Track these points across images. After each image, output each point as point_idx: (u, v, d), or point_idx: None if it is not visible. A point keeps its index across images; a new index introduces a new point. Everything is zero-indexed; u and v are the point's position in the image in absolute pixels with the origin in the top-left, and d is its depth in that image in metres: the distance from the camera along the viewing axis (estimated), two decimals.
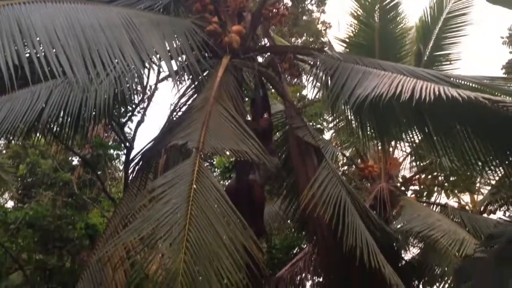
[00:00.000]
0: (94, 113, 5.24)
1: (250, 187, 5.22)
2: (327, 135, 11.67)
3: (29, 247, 7.88)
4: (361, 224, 5.20)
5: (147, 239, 3.35)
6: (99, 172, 9.95)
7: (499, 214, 10.30)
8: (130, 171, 5.56)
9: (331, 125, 10.59)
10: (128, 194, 5.01)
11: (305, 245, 10.02)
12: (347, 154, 10.52)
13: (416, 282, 9.27)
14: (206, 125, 4.35)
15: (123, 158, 10.80)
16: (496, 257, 4.01)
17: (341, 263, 5.74)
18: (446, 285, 8.03)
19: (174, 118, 5.70)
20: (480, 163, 6.30)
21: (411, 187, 9.83)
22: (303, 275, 12.02)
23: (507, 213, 9.14)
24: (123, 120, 9.71)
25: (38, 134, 6.02)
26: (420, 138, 6.06)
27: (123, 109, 8.14)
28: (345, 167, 10.88)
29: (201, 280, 3.25)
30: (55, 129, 5.67)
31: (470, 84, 5.24)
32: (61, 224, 8.41)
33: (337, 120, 8.05)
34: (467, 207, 10.96)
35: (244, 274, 3.36)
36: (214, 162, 11.32)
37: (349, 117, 6.41)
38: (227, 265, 3.33)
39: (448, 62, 9.48)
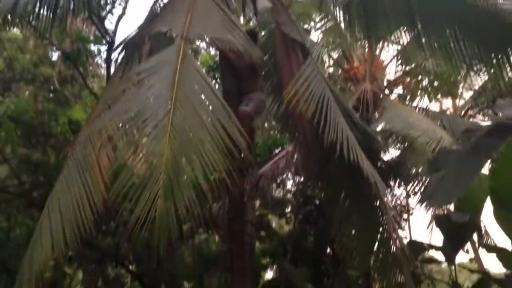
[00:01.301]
0: (72, 4, 5.06)
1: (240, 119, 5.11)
2: (314, 36, 11.49)
3: (12, 140, 7.88)
4: (343, 122, 5.28)
5: (131, 121, 3.35)
6: (80, 69, 9.74)
7: (478, 118, 10.55)
8: (113, 59, 5.44)
9: (318, 25, 10.37)
10: (111, 83, 4.95)
11: (288, 145, 10.23)
12: (334, 57, 10.44)
13: (392, 182, 9.63)
14: (191, 13, 4.22)
15: (104, 55, 10.58)
16: (470, 149, 4.10)
17: (322, 159, 5.93)
18: (421, 184, 8.35)
19: (158, 7, 5.51)
20: (465, 66, 6.34)
21: (395, 91, 9.91)
22: (285, 175, 12.42)
23: (487, 117, 9.31)
24: (104, 13, 9.35)
25: (14, 27, 5.80)
26: (408, 38, 6.02)
27: (103, 1, 7.82)
28: (331, 70, 10.85)
29: (185, 164, 3.31)
30: (32, 22, 5.46)
31: None
32: (43, 119, 8.35)
33: (325, 20, 7.90)
34: (448, 112, 11.17)
35: (228, 160, 3.42)
36: (198, 62, 11.17)
37: (337, 16, 6.28)
38: (211, 151, 3.39)
39: None
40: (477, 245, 10.03)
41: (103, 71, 11.64)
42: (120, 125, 3.74)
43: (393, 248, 5.30)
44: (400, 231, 9.61)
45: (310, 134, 5.26)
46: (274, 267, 18.21)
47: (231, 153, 3.63)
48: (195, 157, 3.34)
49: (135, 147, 3.57)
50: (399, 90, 9.96)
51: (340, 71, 10.24)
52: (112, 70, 5.58)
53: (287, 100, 4.94)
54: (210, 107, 3.66)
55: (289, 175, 13.43)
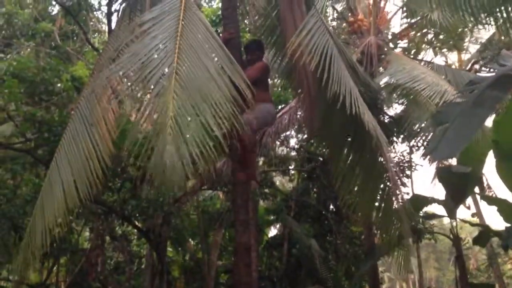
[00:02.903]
0: None
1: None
2: None
3: (16, 97, 7.86)
4: (347, 75, 5.25)
5: (136, 74, 3.34)
6: (81, 24, 9.60)
7: (484, 73, 10.44)
8: (114, 11, 5.36)
9: None
10: (114, 36, 4.90)
11: (291, 101, 10.20)
12: (338, 9, 10.24)
13: (396, 138, 9.65)
14: None
15: (105, 9, 10.39)
16: (474, 101, 4.06)
17: (325, 113, 5.93)
18: (424, 139, 8.35)
19: None
20: (472, 19, 6.24)
21: (400, 44, 9.77)
22: (288, 132, 12.45)
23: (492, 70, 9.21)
24: None
25: None
26: None
27: None
28: (335, 23, 10.66)
29: (192, 116, 3.31)
30: None
31: None
32: (46, 76, 8.31)
33: None
34: (453, 66, 11.05)
35: (233, 106, 3.43)
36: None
37: None
38: (219, 101, 3.39)
39: None
40: (478, 199, 10.13)
41: (104, 27, 11.48)
42: (125, 79, 3.74)
43: (395, 203, 5.36)
44: (402, 188, 9.70)
45: (313, 87, 5.22)
46: (278, 224, 18.56)
47: (237, 102, 3.62)
48: (203, 107, 3.34)
49: (141, 101, 3.57)
50: (404, 43, 9.84)
51: (344, 24, 10.06)
52: (114, 23, 5.50)
53: (290, 52, 4.90)
54: (215, 58, 3.63)
55: (293, 132, 13.49)
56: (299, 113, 9.30)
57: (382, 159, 5.43)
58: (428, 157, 7.30)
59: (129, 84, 3.61)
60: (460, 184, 7.06)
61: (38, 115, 8.21)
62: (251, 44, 5.33)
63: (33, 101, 8.58)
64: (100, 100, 4.04)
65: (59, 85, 8.31)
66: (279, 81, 11.10)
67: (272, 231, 20.33)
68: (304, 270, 14.34)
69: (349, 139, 5.88)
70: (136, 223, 10.18)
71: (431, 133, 7.60)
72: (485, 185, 8.34)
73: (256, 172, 5.12)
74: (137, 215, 9.59)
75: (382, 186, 5.64)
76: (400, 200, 5.17)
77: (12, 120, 8.07)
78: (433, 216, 8.12)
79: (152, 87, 3.35)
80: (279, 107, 10.65)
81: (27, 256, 4.31)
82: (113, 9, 5.39)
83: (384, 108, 8.82)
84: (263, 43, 5.69)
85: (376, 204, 5.80)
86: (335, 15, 10.33)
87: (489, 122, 6.42)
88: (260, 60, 5.15)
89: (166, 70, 3.26)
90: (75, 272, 12.60)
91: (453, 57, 11.41)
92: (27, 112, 8.34)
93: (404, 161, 12.51)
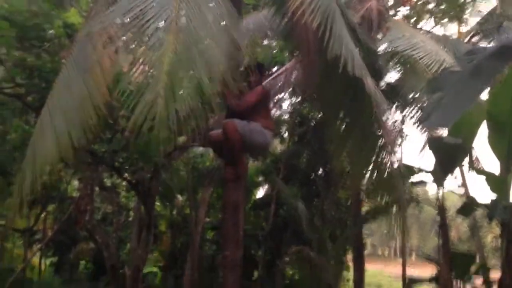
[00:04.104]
0: None
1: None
2: None
3: (7, 40, 7.69)
4: (348, 36, 5.16)
5: (133, 21, 3.26)
6: None
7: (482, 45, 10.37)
8: None
9: None
10: None
11: (287, 63, 10.10)
12: None
13: (390, 106, 9.63)
14: None
15: None
16: (472, 70, 4.03)
17: (324, 75, 5.87)
18: (417, 108, 8.34)
19: None
20: None
21: (400, 12, 9.63)
22: (282, 94, 12.37)
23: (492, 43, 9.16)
24: None
25: None
26: None
27: None
28: None
29: (187, 66, 3.26)
30: None
31: None
32: (38, 21, 8.12)
33: None
34: (452, 38, 10.95)
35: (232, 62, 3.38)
36: None
37: None
38: (214, 54, 3.34)
39: None
40: (467, 170, 10.26)
41: None
42: (121, 26, 3.64)
43: (387, 170, 5.37)
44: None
45: (313, 47, 5.14)
46: (266, 185, 18.72)
47: (234, 59, 3.59)
48: (199, 62, 3.29)
49: (135, 52, 3.50)
50: (405, 10, 9.69)
51: None
52: None
53: (292, 10, 4.79)
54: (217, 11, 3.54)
55: (286, 95, 13.41)
56: (294, 75, 9.22)
57: (377, 126, 5.42)
58: (421, 126, 7.33)
59: (124, 32, 3.52)
60: (449, 155, 7.13)
61: (29, 60, 8.06)
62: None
63: (23, 47, 8.40)
64: (95, 46, 3.95)
65: (51, 31, 8.13)
66: (275, 42, 10.96)
67: (260, 193, 20.57)
68: (290, 231, 14.58)
69: (346, 102, 5.84)
70: (126, 175, 10.20)
71: (425, 103, 7.59)
72: (474, 157, 8.41)
73: (245, 171, 4.97)
74: (127, 167, 9.60)
75: (374, 153, 5.65)
76: (394, 166, 5.19)
77: (2, 64, 7.92)
78: (421, 183, 8.23)
79: (147, 38, 3.28)
80: (275, 68, 10.55)
81: (15, 202, 4.30)
82: None
83: (383, 73, 8.75)
84: (262, 66, 5.50)
85: (365, 172, 5.82)
86: None
87: (483, 93, 6.44)
88: (260, 84, 4.98)
89: (163, 23, 3.17)
90: (63, 219, 12.71)
91: (452, 29, 11.31)
92: (18, 56, 8.19)
93: (396, 130, 12.55)
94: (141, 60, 3.34)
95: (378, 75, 7.77)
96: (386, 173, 5.44)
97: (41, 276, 17.61)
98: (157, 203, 16.60)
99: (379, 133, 5.34)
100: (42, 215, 16.71)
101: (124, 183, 12.34)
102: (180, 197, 19.09)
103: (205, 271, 16.76)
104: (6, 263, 18.12)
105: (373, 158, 5.63)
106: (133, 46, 3.52)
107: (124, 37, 3.62)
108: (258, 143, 4.71)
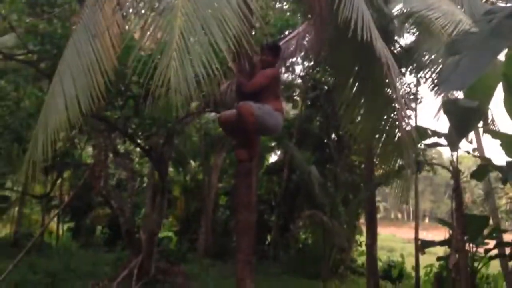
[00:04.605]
0: None
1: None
2: None
3: (17, 7, 7.67)
4: None
5: None
6: None
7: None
8: None
9: None
10: None
11: (299, 26, 9.93)
12: None
13: (404, 69, 9.46)
14: None
15: None
16: (491, 31, 3.90)
17: (335, 37, 5.78)
18: (433, 71, 8.18)
19: None
20: None
21: None
22: (294, 58, 12.23)
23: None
24: None
25: None
26: None
27: None
28: None
29: (199, 28, 3.22)
30: None
31: None
32: None
33: None
34: None
35: (243, 24, 3.32)
36: None
37: None
38: (226, 14, 3.29)
39: None
40: (481, 133, 10.13)
41: None
42: None
43: (399, 133, 5.32)
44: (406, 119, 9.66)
45: (325, 10, 5.04)
46: (279, 150, 18.76)
47: (248, 20, 3.52)
48: (211, 24, 3.24)
49: (146, 17, 3.46)
50: None
51: None
52: None
53: None
54: None
55: (299, 59, 13.25)
56: (307, 39, 9.07)
57: (388, 89, 5.34)
58: (436, 88, 7.20)
59: None
60: (465, 117, 7.02)
61: (41, 27, 8.03)
62: (268, 45, 4.97)
63: (34, 13, 8.36)
64: (104, 11, 3.90)
65: None
66: (288, 5, 10.79)
67: (273, 158, 20.67)
68: (302, 195, 14.68)
69: (357, 66, 5.76)
70: (139, 142, 10.28)
71: (441, 65, 7.43)
72: (489, 120, 8.29)
73: (257, 152, 4.92)
74: (140, 133, 9.66)
75: (386, 116, 5.60)
76: (406, 130, 5.14)
77: (14, 30, 7.90)
78: (435, 144, 8.14)
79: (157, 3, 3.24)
80: (287, 31, 10.39)
81: (30, 169, 4.35)
82: None
83: (395, 38, 8.57)
84: (280, 48, 5.33)
85: (378, 135, 5.79)
86: None
87: (500, 55, 6.28)
88: (273, 66, 4.82)
89: None
90: (78, 186, 12.91)
91: None
92: (29, 23, 8.16)
93: (411, 93, 12.41)
94: (151, 26, 3.30)
95: (391, 37, 7.63)
96: (396, 137, 5.41)
97: (59, 241, 18.06)
98: (171, 169, 16.78)
99: (390, 96, 5.27)
100: (58, 182, 17.02)
101: (138, 149, 12.43)
102: (193, 163, 19.26)
103: (219, 235, 17.06)
104: (25, 228, 18.61)
105: (383, 121, 5.60)
106: (143, 11, 3.46)
107: (133, 2, 3.57)
108: (271, 125, 4.66)
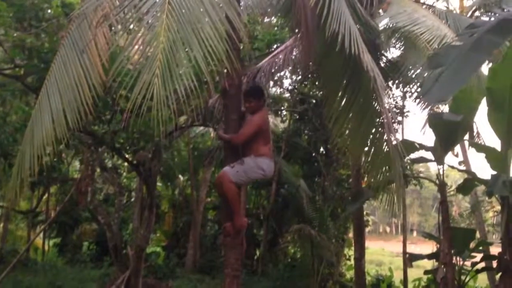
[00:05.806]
0: None
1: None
2: None
3: (4, 21, 7.63)
4: (347, 12, 5.11)
5: None
6: None
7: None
8: None
9: None
10: None
11: (287, 41, 10.01)
12: None
13: (391, 83, 9.57)
14: None
15: None
16: (472, 44, 3.99)
17: (322, 52, 5.84)
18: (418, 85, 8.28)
19: None
20: None
21: None
22: (283, 72, 12.30)
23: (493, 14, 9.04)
24: None
25: None
26: None
27: None
28: None
29: (182, 46, 3.24)
30: None
31: None
32: (36, 1, 8.05)
33: None
34: (454, 12, 10.84)
35: (226, 44, 3.35)
36: None
37: None
38: (209, 33, 3.31)
39: None
40: (467, 146, 10.24)
41: None
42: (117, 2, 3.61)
43: (387, 147, 5.36)
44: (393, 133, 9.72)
45: (312, 24, 5.09)
46: None
47: (231, 38, 3.56)
48: (193, 42, 3.26)
49: (131, 31, 3.48)
50: None
51: None
52: None
53: None
54: None
55: (287, 73, 13.35)
56: (295, 53, 9.15)
57: (376, 103, 5.39)
58: (421, 102, 7.29)
59: (119, 11, 3.49)
60: (450, 131, 7.10)
61: (28, 41, 8.00)
62: (249, 92, 4.93)
63: (22, 27, 8.34)
64: (91, 24, 3.91)
65: (49, 11, 8.06)
66: (275, 20, 10.85)
67: None
68: (291, 209, 14.67)
69: (345, 80, 5.81)
70: (126, 156, 10.21)
71: (426, 75, 7.54)
72: (475, 133, 8.39)
73: (244, 225, 4.74)
74: (128, 147, 9.60)
75: (374, 130, 5.64)
76: (392, 143, 5.18)
77: (1, 45, 7.87)
78: (421, 159, 8.22)
79: (144, 15, 3.26)
80: (275, 46, 10.48)
81: (17, 184, 4.31)
82: None
83: (382, 52, 8.67)
84: (262, 89, 5.29)
85: (366, 148, 5.83)
86: None
87: (485, 69, 6.39)
88: (260, 110, 4.76)
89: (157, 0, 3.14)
90: (65, 201, 12.78)
91: (454, 3, 11.18)
92: (17, 37, 8.12)
93: (397, 107, 12.53)
94: (136, 39, 3.32)
95: (378, 51, 7.71)
96: (384, 150, 5.45)
97: (45, 257, 17.80)
98: (159, 184, 16.68)
99: (378, 110, 5.32)
100: (45, 197, 16.83)
101: (126, 164, 12.36)
102: (181, 177, 19.17)
103: (208, 250, 16.93)
104: (10, 245, 18.31)
105: (371, 135, 5.64)
106: (128, 24, 3.48)
107: (119, 16, 3.59)
108: (256, 177, 4.74)
